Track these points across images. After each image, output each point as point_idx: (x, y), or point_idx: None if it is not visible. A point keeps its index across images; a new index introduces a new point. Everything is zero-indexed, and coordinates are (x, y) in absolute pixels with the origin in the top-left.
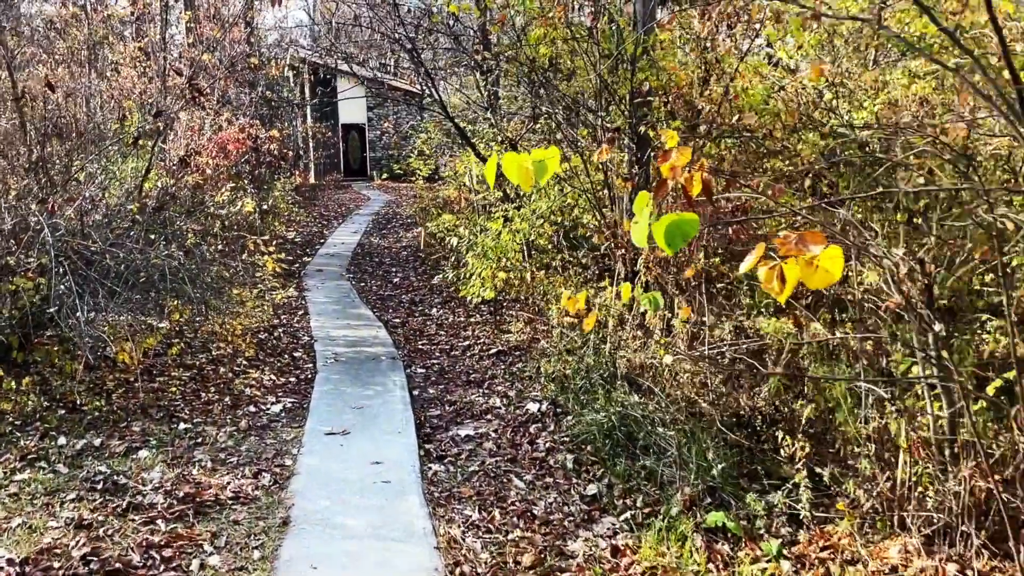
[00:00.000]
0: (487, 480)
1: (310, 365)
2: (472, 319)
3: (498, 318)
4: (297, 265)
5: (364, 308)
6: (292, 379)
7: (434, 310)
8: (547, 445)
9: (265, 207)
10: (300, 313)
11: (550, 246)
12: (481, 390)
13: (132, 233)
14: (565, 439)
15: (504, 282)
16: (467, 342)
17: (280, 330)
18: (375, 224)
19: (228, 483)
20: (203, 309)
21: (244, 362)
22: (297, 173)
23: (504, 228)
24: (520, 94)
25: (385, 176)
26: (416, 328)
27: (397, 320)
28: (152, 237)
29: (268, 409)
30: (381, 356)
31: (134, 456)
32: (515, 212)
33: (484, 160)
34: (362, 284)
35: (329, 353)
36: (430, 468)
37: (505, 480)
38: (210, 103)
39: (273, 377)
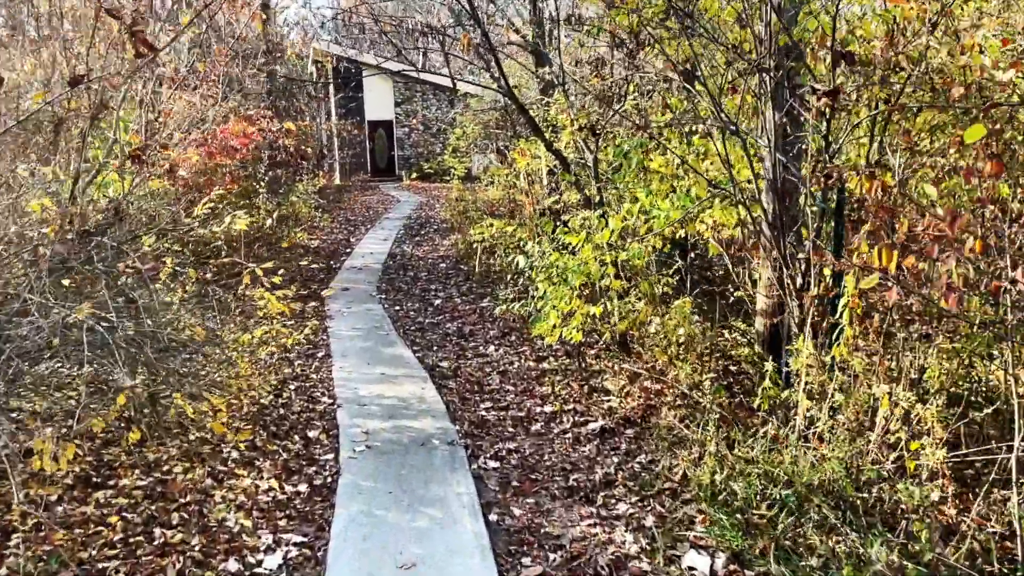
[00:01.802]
0: None
1: (330, 457)
2: (546, 364)
3: (583, 365)
4: (318, 283)
5: (401, 345)
6: (303, 487)
7: (491, 347)
8: None
9: (284, 212)
10: (320, 356)
11: (651, 268)
12: (594, 510)
13: (39, 276)
14: None
15: (595, 319)
16: (548, 406)
17: (291, 388)
18: (407, 230)
19: None
20: (152, 401)
21: (235, 453)
22: (321, 174)
23: (586, 242)
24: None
25: (415, 176)
26: (473, 379)
27: (445, 364)
28: (68, 282)
29: (259, 566)
30: (433, 437)
31: None
32: (597, 220)
33: (559, 155)
34: (396, 308)
35: (358, 432)
36: None
37: None
38: (210, 87)
39: (274, 484)
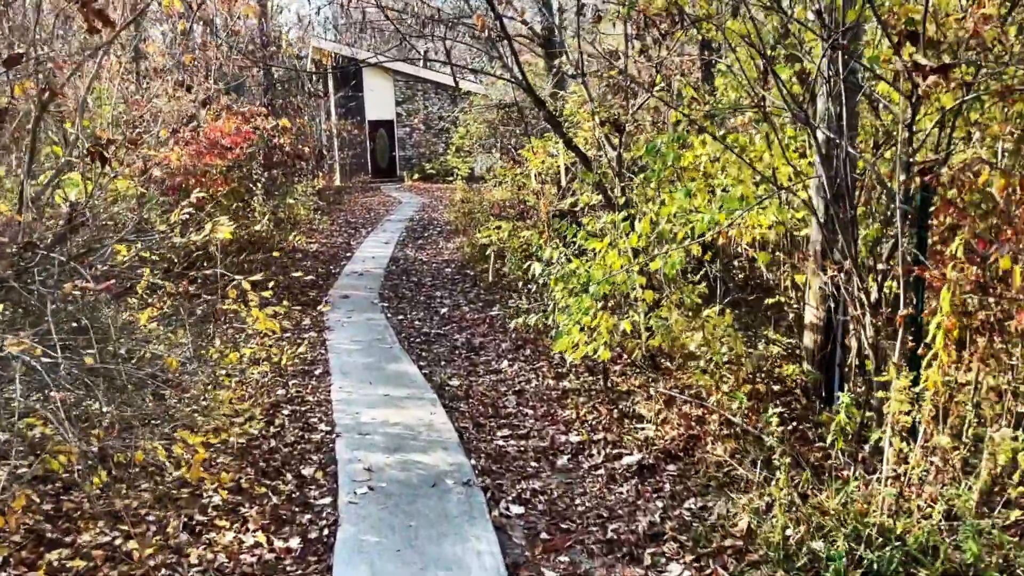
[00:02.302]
0: None
1: (327, 501)
2: (567, 383)
3: (609, 385)
4: (317, 290)
5: (406, 360)
6: (295, 542)
7: (505, 362)
8: None
9: (281, 215)
10: (318, 373)
11: (681, 277)
12: (642, 572)
13: None
14: None
15: (624, 334)
16: (574, 434)
17: (284, 413)
18: (409, 233)
19: None
20: (101, 458)
21: (217, 497)
22: (321, 175)
23: (610, 248)
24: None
25: (416, 176)
26: (486, 400)
27: (455, 382)
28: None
29: None
30: (446, 475)
31: None
32: (622, 224)
33: (579, 152)
34: (400, 317)
35: (359, 469)
36: None
37: None
38: (200, 82)
39: (260, 539)
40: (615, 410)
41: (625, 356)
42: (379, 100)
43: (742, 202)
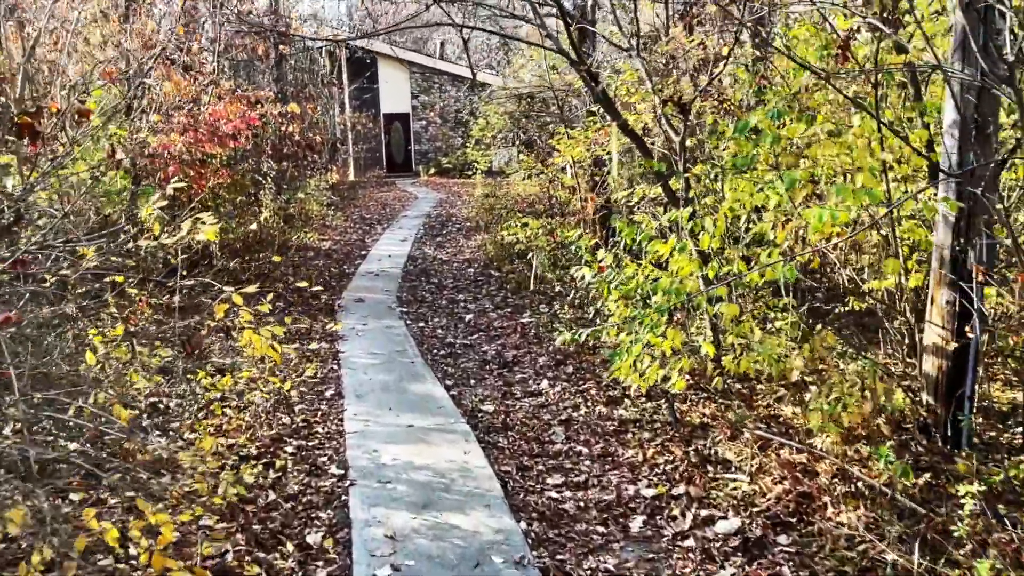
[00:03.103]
0: None
1: None
2: (623, 412)
3: (680, 417)
4: (330, 291)
5: (431, 379)
6: None
7: (544, 381)
8: None
9: (292, 211)
10: (329, 395)
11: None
12: None
13: None
14: None
15: (700, 356)
16: (646, 485)
17: (287, 452)
18: (427, 229)
19: None
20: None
21: None
22: (335, 169)
23: (679, 252)
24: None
25: (432, 171)
26: (528, 432)
27: (489, 407)
28: None
29: None
30: (491, 548)
31: None
32: (691, 221)
33: (636, 138)
34: (421, 324)
35: (379, 538)
36: None
37: None
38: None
39: None
40: (691, 451)
41: (693, 379)
42: (394, 92)
43: (860, 196)
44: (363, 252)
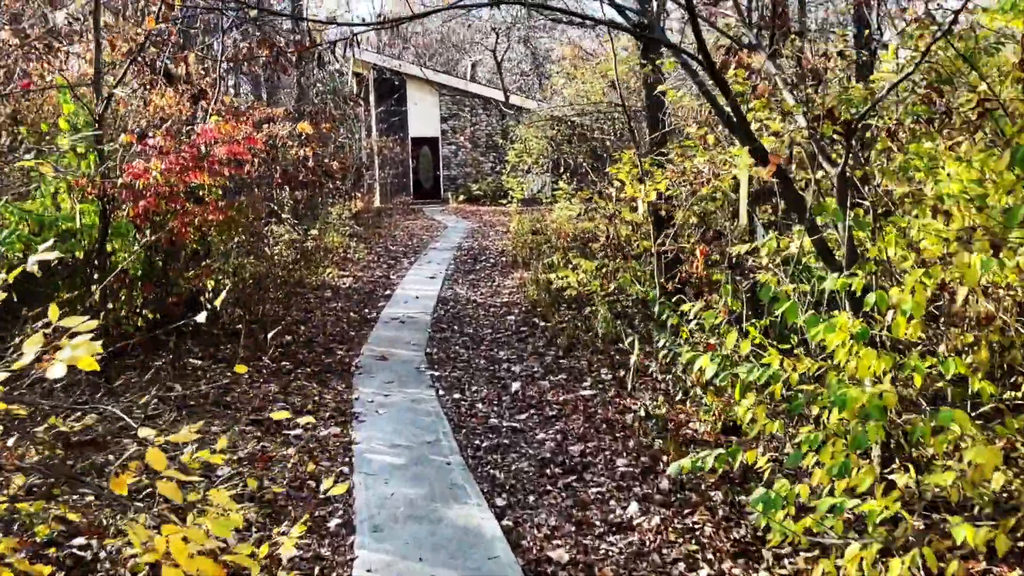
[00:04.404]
0: None
1: None
2: (766, 573)
3: None
4: (348, 344)
5: (475, 496)
6: None
7: (633, 505)
8: None
9: (309, 245)
10: (333, 525)
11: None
12: None
13: None
14: None
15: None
16: None
17: None
18: (459, 264)
19: None
20: None
21: None
22: (359, 196)
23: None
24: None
25: (462, 198)
26: None
27: (561, 555)
28: None
29: None
30: None
31: None
32: (868, 292)
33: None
34: (456, 395)
35: None
36: None
37: None
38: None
39: None
40: None
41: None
42: (423, 115)
43: None
44: (387, 292)
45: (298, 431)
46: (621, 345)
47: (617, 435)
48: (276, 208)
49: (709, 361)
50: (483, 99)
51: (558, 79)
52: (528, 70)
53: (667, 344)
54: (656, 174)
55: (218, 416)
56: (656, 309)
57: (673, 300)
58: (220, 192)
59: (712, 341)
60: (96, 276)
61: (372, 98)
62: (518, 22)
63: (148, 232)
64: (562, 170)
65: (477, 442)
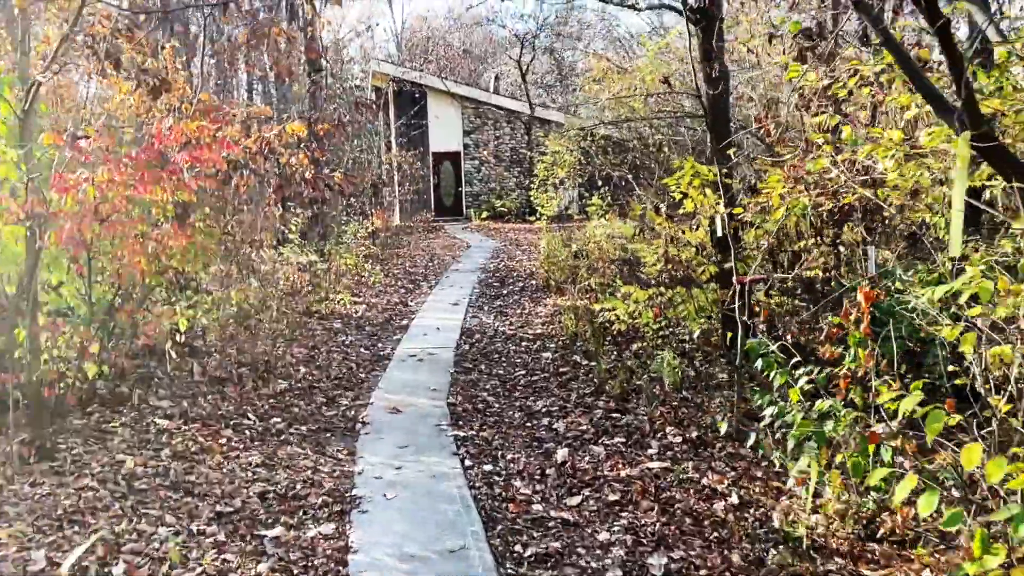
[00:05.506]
0: None
1: None
2: None
3: None
4: (355, 390)
5: None
6: None
7: None
8: None
9: (319, 268)
10: None
11: None
12: None
13: None
14: None
15: None
16: None
17: None
18: (484, 288)
19: None
20: None
21: None
22: (377, 213)
23: None
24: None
25: (485, 215)
26: None
27: None
28: None
29: None
30: None
31: None
32: None
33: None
34: (487, 466)
35: None
36: None
37: None
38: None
39: None
40: None
41: None
42: (445, 129)
43: None
44: (404, 322)
45: (277, 531)
46: (684, 394)
47: (709, 537)
48: (281, 227)
49: (928, 498)
50: (507, 112)
51: (592, 85)
52: (553, 82)
53: (774, 416)
54: (768, 180)
55: (173, 507)
56: (738, 350)
57: (768, 347)
58: (207, 210)
59: (877, 429)
60: (24, 321)
61: (392, 111)
62: (545, 27)
63: (86, 263)
64: (599, 184)
65: (519, 548)
